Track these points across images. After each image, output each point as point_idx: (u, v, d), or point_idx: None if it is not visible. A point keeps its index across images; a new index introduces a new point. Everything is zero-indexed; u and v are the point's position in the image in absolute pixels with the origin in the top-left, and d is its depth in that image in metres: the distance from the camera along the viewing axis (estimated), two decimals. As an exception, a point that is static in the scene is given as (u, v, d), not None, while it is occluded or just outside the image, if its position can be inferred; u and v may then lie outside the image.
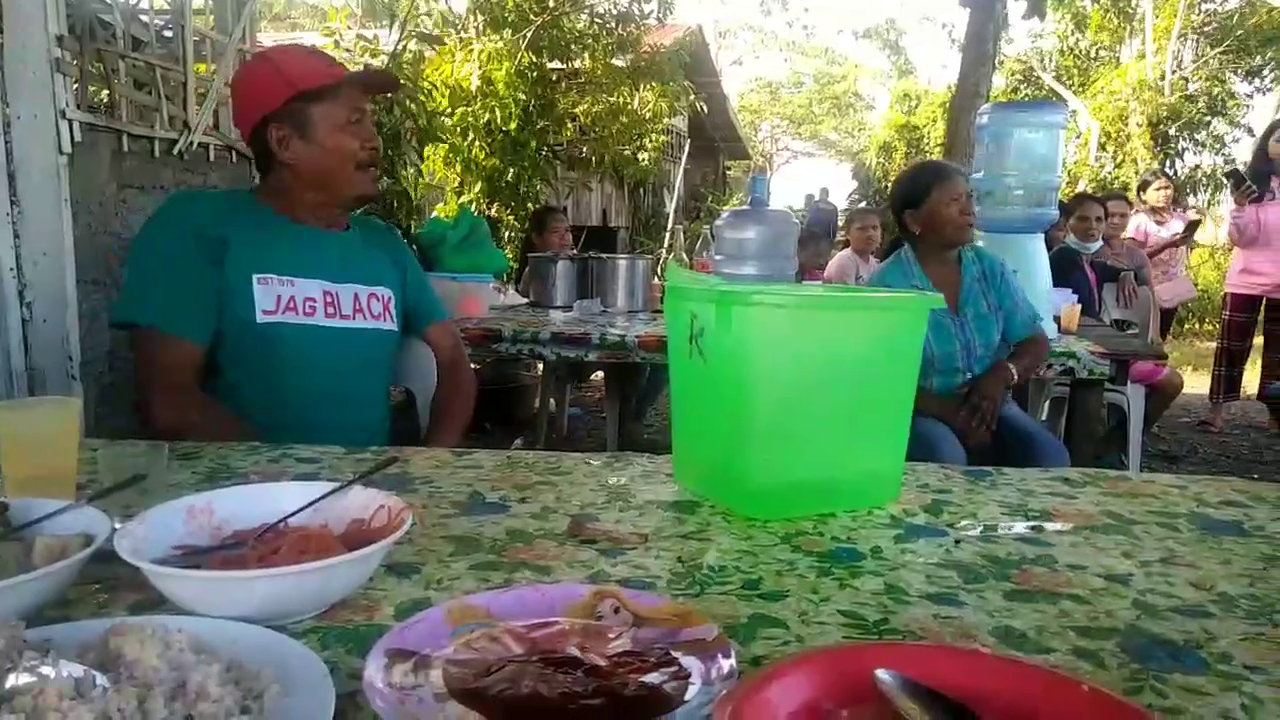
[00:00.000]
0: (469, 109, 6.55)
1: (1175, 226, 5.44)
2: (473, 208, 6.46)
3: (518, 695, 0.59)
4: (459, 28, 6.84)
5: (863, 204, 16.10)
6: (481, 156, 6.69)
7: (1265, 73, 14.27)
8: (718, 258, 2.56)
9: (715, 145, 18.01)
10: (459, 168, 6.75)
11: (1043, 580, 0.85)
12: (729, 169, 21.22)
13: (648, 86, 7.97)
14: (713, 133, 16.65)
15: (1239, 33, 13.64)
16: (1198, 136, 13.36)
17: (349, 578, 0.74)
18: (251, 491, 0.89)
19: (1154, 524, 1.03)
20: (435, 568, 0.85)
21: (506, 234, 6.81)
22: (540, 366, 4.70)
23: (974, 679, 0.60)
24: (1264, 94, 14.62)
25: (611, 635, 0.69)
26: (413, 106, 4.53)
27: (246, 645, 0.63)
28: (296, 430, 1.37)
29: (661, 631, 0.69)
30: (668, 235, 11.87)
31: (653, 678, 0.62)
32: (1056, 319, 3.09)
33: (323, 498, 0.87)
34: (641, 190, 12.29)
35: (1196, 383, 6.20)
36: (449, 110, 6.35)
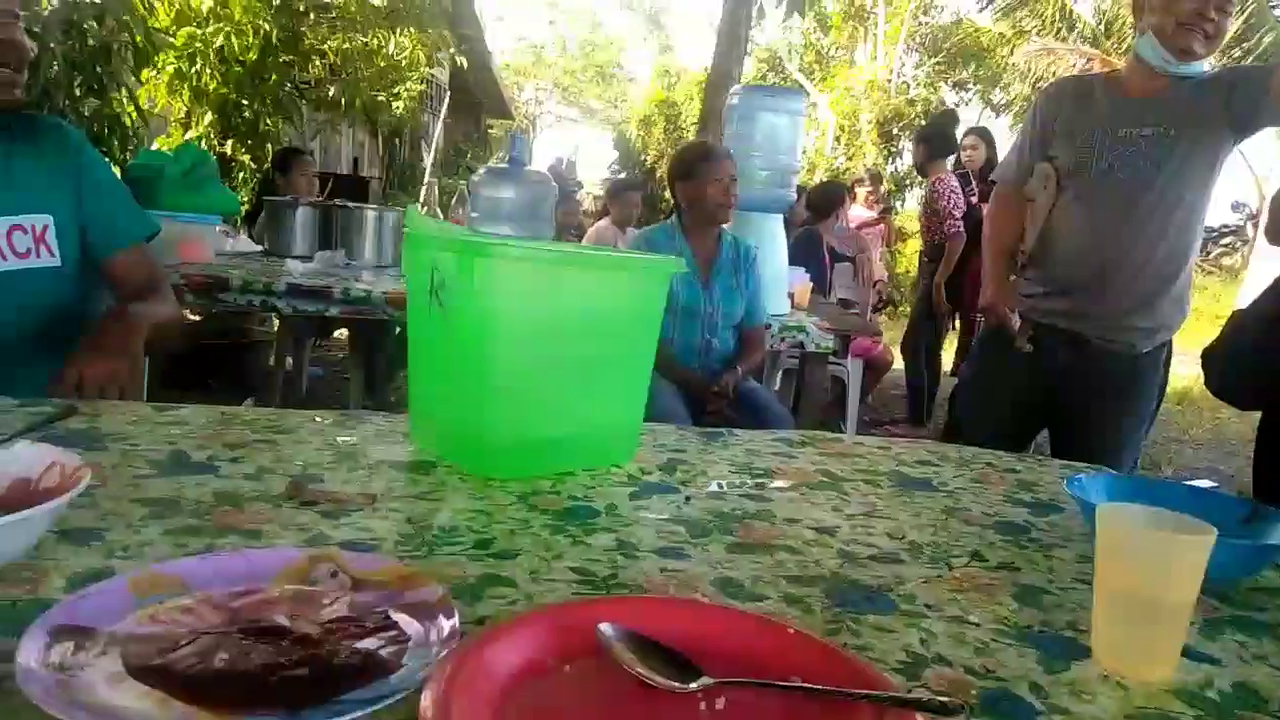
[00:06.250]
0: (200, 30, 5.89)
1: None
2: (201, 143, 5.84)
3: (208, 670, 0.53)
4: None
5: (623, 174, 16.46)
6: (214, 86, 6.05)
7: (969, 85, 16.21)
8: (473, 215, 2.50)
9: (478, 102, 17.55)
10: (186, 96, 6.06)
11: (761, 534, 0.90)
12: (491, 128, 20.79)
13: (405, 31, 7.57)
14: (475, 89, 16.21)
15: (949, 47, 15.39)
16: (916, 137, 14.97)
17: (2, 545, 0.63)
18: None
19: (860, 481, 1.13)
20: (122, 534, 0.74)
21: (241, 175, 6.23)
22: (276, 321, 4.37)
23: (691, 627, 0.62)
24: (967, 105, 16.64)
25: (326, 601, 0.64)
26: (127, 19, 3.97)
27: None
28: None
29: (382, 594, 0.65)
30: (423, 189, 11.45)
31: (368, 643, 0.58)
32: (791, 295, 3.32)
33: (-25, 454, 0.73)
34: (398, 141, 11.71)
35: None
36: (172, 29, 5.67)
